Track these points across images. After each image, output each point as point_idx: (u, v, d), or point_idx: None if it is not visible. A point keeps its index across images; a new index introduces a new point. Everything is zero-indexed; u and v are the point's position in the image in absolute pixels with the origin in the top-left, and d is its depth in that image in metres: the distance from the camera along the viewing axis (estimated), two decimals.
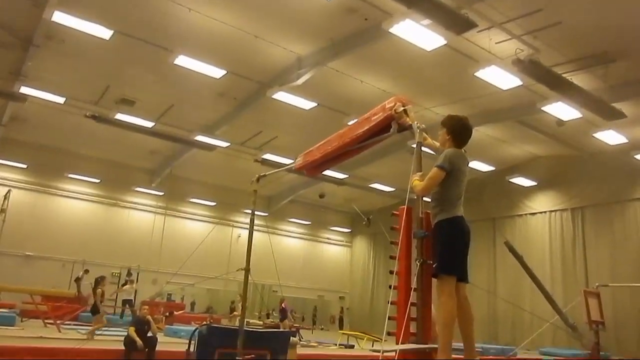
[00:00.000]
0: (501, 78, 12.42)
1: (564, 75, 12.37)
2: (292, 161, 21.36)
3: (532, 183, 20.78)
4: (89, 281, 17.14)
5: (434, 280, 3.74)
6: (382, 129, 4.53)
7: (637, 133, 15.12)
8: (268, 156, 19.69)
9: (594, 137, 16.14)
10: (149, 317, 8.82)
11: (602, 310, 11.43)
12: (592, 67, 12.67)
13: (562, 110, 13.86)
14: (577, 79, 12.65)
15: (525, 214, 21.50)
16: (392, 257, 3.90)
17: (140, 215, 23.82)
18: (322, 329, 25.76)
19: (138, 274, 20.59)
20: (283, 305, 17.18)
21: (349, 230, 30.54)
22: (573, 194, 19.78)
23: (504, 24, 11.32)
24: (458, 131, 3.98)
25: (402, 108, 4.27)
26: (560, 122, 14.75)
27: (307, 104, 15.38)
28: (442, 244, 3.73)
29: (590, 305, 11.00)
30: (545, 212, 20.79)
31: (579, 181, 19.44)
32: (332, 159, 5.26)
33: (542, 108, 13.88)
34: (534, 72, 11.71)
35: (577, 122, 14.86)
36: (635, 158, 16.53)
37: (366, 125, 4.67)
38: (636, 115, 13.87)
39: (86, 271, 18.50)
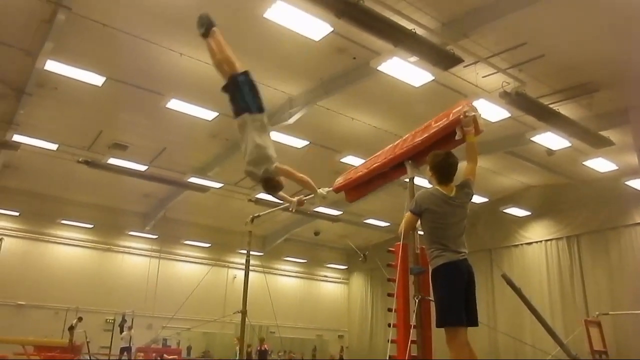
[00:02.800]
0: (490, 111, 12.61)
1: (550, 105, 12.60)
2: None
3: (526, 213, 20.83)
4: (82, 329, 16.82)
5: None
6: (445, 137, 4.10)
7: (626, 160, 15.29)
8: (262, 195, 19.67)
9: (584, 165, 16.33)
10: None
11: (604, 339, 11.31)
12: (578, 97, 12.91)
13: (551, 140, 14.05)
14: (564, 109, 12.88)
15: (521, 244, 21.45)
16: (390, 295, 3.86)
17: (134, 259, 23.54)
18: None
19: (132, 319, 20.22)
20: (264, 346, 16.82)
21: (346, 267, 30.28)
22: (567, 222, 19.81)
23: (489, 58, 11.58)
24: (439, 167, 3.90)
25: (473, 114, 3.91)
26: (550, 152, 14.92)
27: (299, 143, 15.49)
28: (439, 294, 3.61)
29: (592, 334, 10.90)
30: (541, 241, 20.74)
31: (572, 209, 19.49)
32: (380, 176, 4.70)
33: (532, 138, 14.07)
34: (522, 104, 11.92)
35: (566, 151, 15.04)
36: (626, 184, 16.66)
37: (426, 133, 4.17)
38: (623, 143, 14.06)
39: (80, 319, 18.13)
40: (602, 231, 18.74)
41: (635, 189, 15.77)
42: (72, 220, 21.66)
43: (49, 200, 20.86)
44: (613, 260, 18.30)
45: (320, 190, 5.02)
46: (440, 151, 4.00)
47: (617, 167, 16.17)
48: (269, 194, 5.14)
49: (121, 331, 17.97)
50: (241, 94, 5.11)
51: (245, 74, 5.20)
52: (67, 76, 11.94)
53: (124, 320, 19.59)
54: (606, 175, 16.94)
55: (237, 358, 16.01)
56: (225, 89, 5.23)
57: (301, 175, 4.92)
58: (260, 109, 5.20)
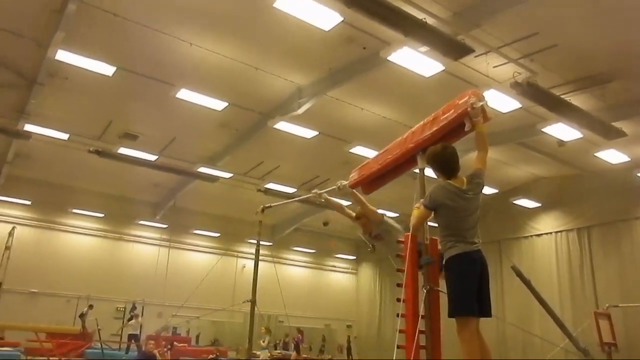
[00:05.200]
0: (501, 101, 12.50)
1: (562, 96, 12.46)
2: (294, 190, 21.35)
3: (536, 204, 20.71)
4: (94, 317, 17.04)
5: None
6: (454, 129, 4.02)
7: (638, 151, 15.14)
8: (271, 185, 19.74)
9: (595, 156, 16.16)
10: (155, 351, 8.75)
11: (613, 332, 11.27)
12: (590, 88, 12.76)
13: (562, 131, 13.92)
14: (576, 99, 12.74)
15: (531, 236, 21.36)
16: (399, 285, 3.87)
17: (144, 248, 23.76)
18: (330, 359, 25.34)
19: (143, 307, 20.45)
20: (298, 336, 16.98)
21: (354, 257, 30.34)
22: (578, 213, 19.68)
23: (500, 48, 11.46)
24: (440, 163, 3.88)
25: (480, 103, 3.80)
26: (561, 143, 14.78)
27: (308, 133, 15.49)
28: (452, 284, 3.60)
29: (602, 326, 10.86)
30: (551, 233, 20.64)
31: (583, 201, 19.34)
32: (393, 169, 4.67)
33: (543, 129, 13.95)
34: (533, 95, 11.80)
35: (578, 142, 14.90)
36: (638, 176, 16.49)
37: (435, 126, 4.08)
38: (637, 134, 13.91)
39: (90, 306, 18.38)
40: (614, 223, 18.59)
41: None
42: (83, 209, 21.88)
43: (60, 190, 21.06)
44: (624, 252, 18.17)
45: (339, 183, 5.28)
46: (435, 146, 3.95)
47: (629, 159, 15.98)
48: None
49: (130, 319, 18.18)
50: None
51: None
52: (78, 66, 11.99)
53: (133, 308, 19.84)
54: (618, 166, 16.75)
55: (266, 347, 16.14)
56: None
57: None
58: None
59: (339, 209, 5.60)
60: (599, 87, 12.71)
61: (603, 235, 18.98)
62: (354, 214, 5.35)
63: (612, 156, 15.92)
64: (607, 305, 12.34)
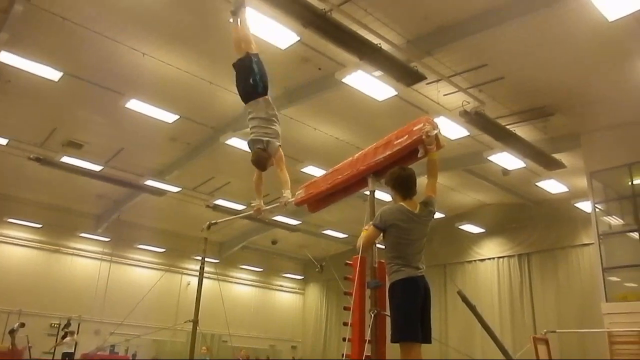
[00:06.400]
0: (450, 128, 12.85)
1: (507, 126, 12.96)
2: (244, 207, 20.96)
3: (481, 230, 21.30)
4: (25, 333, 16.09)
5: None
6: (407, 154, 4.09)
7: (576, 182, 15.88)
8: (220, 202, 19.43)
9: (537, 186, 16.88)
10: None
11: (551, 357, 11.60)
12: (533, 120, 13.34)
13: (507, 160, 14.44)
14: (520, 130, 13.28)
15: (475, 260, 21.90)
16: (345, 309, 3.82)
17: (84, 262, 22.69)
18: None
19: (79, 324, 19.48)
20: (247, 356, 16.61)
21: (302, 277, 30.16)
22: (519, 240, 20.36)
23: (451, 77, 11.83)
24: (397, 184, 3.91)
25: (435, 132, 3.91)
26: (505, 171, 15.33)
27: None
28: (396, 309, 3.59)
29: (540, 351, 11.15)
30: (493, 258, 21.23)
31: (524, 228, 20.06)
32: (342, 189, 4.70)
33: (488, 157, 14.42)
34: (480, 124, 12.21)
35: (521, 172, 15.50)
36: (575, 206, 17.28)
37: (388, 150, 4.15)
38: (575, 166, 14.61)
39: (22, 324, 17.27)
40: (552, 250, 19.36)
41: (584, 211, 16.35)
42: (19, 219, 20.71)
43: None
44: (561, 279, 18.92)
45: (285, 194, 5.28)
46: (395, 167, 4.02)
47: (567, 189, 16.77)
48: (256, 165, 5.51)
49: (64, 336, 17.28)
50: (253, 73, 5.71)
51: (258, 56, 5.83)
52: (22, 69, 11.45)
53: (67, 324, 18.87)
54: (557, 196, 17.56)
55: None
56: (237, 65, 5.99)
57: (285, 172, 5.37)
58: (266, 90, 5.75)
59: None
60: (542, 120, 13.31)
61: (542, 262, 19.71)
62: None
63: (552, 186, 16.66)
64: (545, 330, 12.70)
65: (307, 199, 4.93)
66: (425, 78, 10.96)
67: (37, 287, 20.48)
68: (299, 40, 10.25)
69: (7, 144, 15.50)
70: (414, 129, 3.98)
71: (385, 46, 10.11)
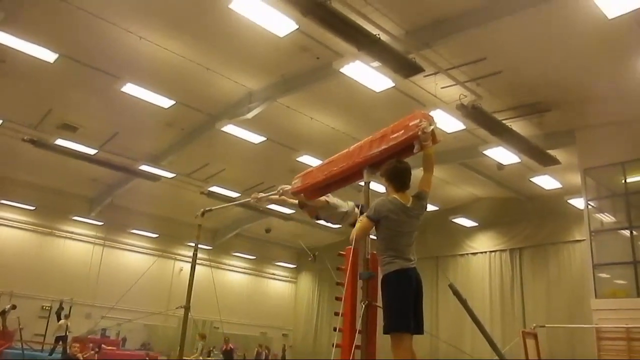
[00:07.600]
0: (446, 121, 12.85)
1: (504, 121, 12.97)
2: (238, 194, 20.94)
3: (474, 223, 21.40)
4: (16, 315, 16.07)
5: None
6: (402, 149, 4.07)
7: (569, 179, 15.95)
8: (215, 189, 19.39)
9: (530, 181, 16.94)
10: (79, 355, 8.33)
11: (539, 351, 11.72)
12: (529, 115, 13.37)
13: (502, 155, 14.48)
14: (516, 125, 13.29)
15: (467, 254, 22.03)
16: (337, 299, 3.84)
17: (76, 245, 22.67)
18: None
19: (71, 307, 19.48)
20: (230, 345, 16.62)
21: (295, 266, 30.25)
22: (512, 235, 20.48)
23: (449, 70, 11.81)
24: (392, 176, 3.94)
25: (431, 127, 3.88)
26: (500, 166, 15.37)
27: (256, 138, 15.34)
28: (389, 300, 3.62)
29: (528, 345, 11.26)
30: (485, 252, 21.37)
31: (517, 223, 20.17)
32: (338, 181, 4.71)
33: (484, 152, 14.46)
34: (477, 117, 12.20)
35: (515, 167, 15.55)
36: (568, 202, 17.37)
37: (383, 144, 4.12)
38: (568, 162, 14.67)
39: (13, 306, 17.25)
40: (543, 246, 19.49)
41: (577, 208, 16.45)
42: (12, 200, 20.63)
43: None
44: (551, 274, 19.07)
45: (280, 188, 5.36)
46: (391, 160, 4.03)
47: (561, 186, 16.85)
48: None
49: (58, 319, 17.28)
50: None
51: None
52: (17, 49, 11.32)
53: (61, 308, 18.86)
54: (551, 192, 17.65)
55: (200, 356, 15.67)
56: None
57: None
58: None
59: (282, 201, 5.75)
60: (538, 116, 13.34)
61: (533, 257, 19.85)
62: (297, 202, 5.46)
63: (546, 182, 16.73)
64: (534, 325, 12.81)
65: (304, 188, 4.93)
66: (423, 70, 10.92)
67: (30, 270, 20.46)
68: (297, 29, 10.19)
69: (0, 125, 15.37)
70: (410, 124, 3.94)
71: (383, 37, 10.06)
